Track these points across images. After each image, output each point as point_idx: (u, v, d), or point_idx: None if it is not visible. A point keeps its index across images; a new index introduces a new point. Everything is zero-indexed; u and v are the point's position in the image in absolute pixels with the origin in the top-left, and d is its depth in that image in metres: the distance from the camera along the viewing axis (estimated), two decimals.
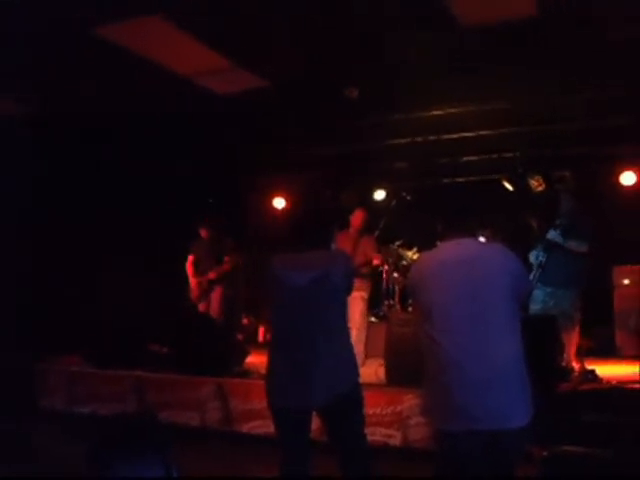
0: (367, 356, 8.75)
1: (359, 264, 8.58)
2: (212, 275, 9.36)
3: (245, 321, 11.68)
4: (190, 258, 9.58)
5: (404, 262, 9.48)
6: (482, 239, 3.87)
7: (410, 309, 8.61)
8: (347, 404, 3.91)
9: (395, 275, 9.33)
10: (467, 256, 3.56)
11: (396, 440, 6.53)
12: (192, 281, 9.53)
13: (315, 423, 4.01)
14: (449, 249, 3.69)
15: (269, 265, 4.04)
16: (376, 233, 9.26)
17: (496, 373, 3.36)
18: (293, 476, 3.90)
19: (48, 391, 8.57)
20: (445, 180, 11.13)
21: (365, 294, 8.87)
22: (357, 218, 9.02)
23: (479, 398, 3.32)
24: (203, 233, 9.60)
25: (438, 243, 3.91)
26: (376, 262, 8.79)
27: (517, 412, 3.35)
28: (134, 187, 9.99)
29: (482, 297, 3.44)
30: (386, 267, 9.46)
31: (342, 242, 8.51)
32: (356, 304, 8.66)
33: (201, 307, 9.51)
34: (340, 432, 3.96)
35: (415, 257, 9.51)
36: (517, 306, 3.55)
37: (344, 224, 9.09)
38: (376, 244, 9.05)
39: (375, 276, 9.36)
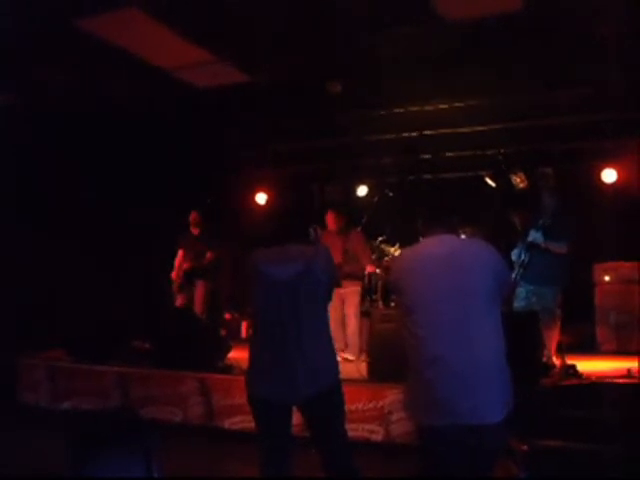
0: (361, 350, 8.81)
1: (354, 270, 8.71)
2: (186, 265, 9.45)
3: (228, 316, 11.66)
4: (180, 253, 9.67)
5: (386, 258, 9.49)
6: (463, 236, 3.88)
7: (392, 304, 8.63)
8: (329, 399, 3.92)
9: (377, 271, 9.32)
10: (448, 252, 3.57)
11: (378, 435, 6.55)
12: (173, 274, 9.59)
13: (296, 419, 4.00)
14: (430, 245, 3.69)
15: (251, 259, 4.03)
16: (359, 229, 9.25)
17: (478, 368, 3.37)
18: (274, 473, 3.89)
19: (30, 386, 8.52)
20: (428, 176, 11.15)
21: (359, 288, 8.99)
22: (329, 221, 9.04)
23: (461, 393, 3.33)
24: (194, 228, 9.64)
25: (420, 239, 3.91)
26: (370, 270, 8.84)
27: (498, 407, 3.36)
28: (114, 183, 9.92)
29: (463, 292, 3.45)
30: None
31: (329, 242, 8.51)
32: (352, 297, 8.83)
33: (179, 300, 9.53)
34: (321, 427, 3.95)
35: (398, 253, 9.54)
36: (499, 300, 3.56)
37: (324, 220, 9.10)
38: (364, 239, 9.06)
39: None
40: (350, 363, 8.24)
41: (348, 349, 8.48)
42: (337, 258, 8.19)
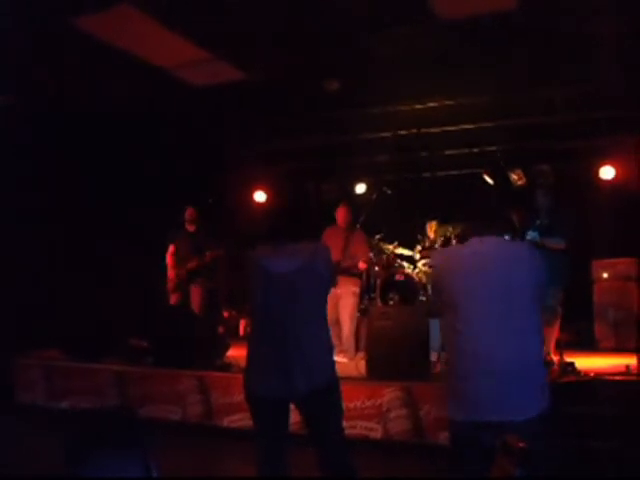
0: (357, 350, 8.80)
1: (348, 266, 8.60)
2: (191, 265, 9.16)
3: (226, 314, 11.64)
4: (171, 248, 9.40)
5: (384, 256, 9.48)
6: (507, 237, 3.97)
7: (391, 302, 8.62)
8: (326, 397, 3.91)
9: (376, 269, 9.31)
10: (489, 252, 3.64)
11: (377, 433, 6.55)
12: (170, 272, 9.33)
13: (294, 416, 4.00)
14: (476, 245, 3.74)
15: (251, 255, 4.02)
16: (357, 226, 9.20)
17: (515, 365, 3.42)
18: (271, 471, 3.88)
19: (27, 386, 8.51)
20: (426, 174, 11.15)
21: (357, 289, 8.89)
22: (340, 215, 8.98)
23: (497, 389, 3.39)
24: (189, 225, 9.45)
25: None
26: (362, 266, 8.74)
27: (533, 404, 3.42)
28: (112, 182, 9.90)
29: (506, 291, 3.51)
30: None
31: (332, 239, 8.48)
32: (348, 299, 8.72)
33: (174, 298, 9.30)
34: (318, 425, 3.95)
35: (396, 251, 9.52)
36: (536, 302, 3.62)
37: (325, 218, 9.07)
38: (367, 239, 9.03)
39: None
40: (349, 360, 8.24)
41: (342, 352, 8.43)
42: (336, 255, 8.17)
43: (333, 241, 8.35)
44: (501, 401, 3.38)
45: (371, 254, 9.08)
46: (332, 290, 7.78)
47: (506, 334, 3.45)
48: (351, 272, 8.68)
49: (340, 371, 4.20)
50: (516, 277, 3.53)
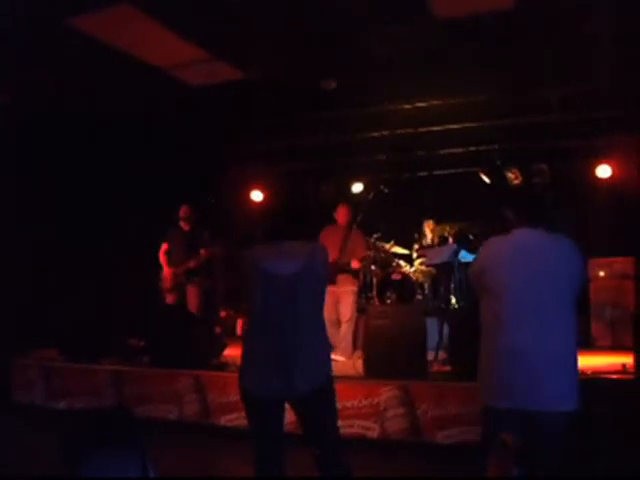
0: (354, 348, 8.81)
1: (344, 264, 8.59)
2: (192, 264, 9.05)
3: (223, 314, 11.63)
4: (164, 246, 9.30)
5: (382, 255, 9.49)
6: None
7: (388, 301, 8.63)
8: (322, 396, 3.92)
9: (373, 268, 9.32)
10: (538, 245, 3.72)
11: (374, 432, 6.55)
12: (166, 270, 9.24)
13: (290, 416, 4.01)
14: (523, 236, 3.80)
15: (249, 255, 4.01)
16: (354, 226, 9.19)
17: (547, 356, 3.52)
18: (267, 470, 3.89)
19: (24, 386, 8.51)
20: (423, 173, 11.17)
21: (356, 288, 8.90)
22: (341, 214, 8.96)
23: (534, 376, 3.47)
24: (185, 223, 9.32)
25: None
26: (354, 266, 8.71)
27: (570, 397, 3.53)
28: (109, 181, 9.89)
29: (548, 283, 3.60)
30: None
31: (330, 238, 8.48)
32: (347, 297, 8.73)
33: (170, 298, 9.22)
34: (314, 424, 3.95)
35: (393, 250, 9.53)
36: (575, 295, 3.73)
37: (324, 217, 9.07)
38: (365, 239, 9.03)
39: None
40: (347, 359, 8.26)
41: (340, 350, 8.45)
42: (335, 254, 8.18)
43: (331, 240, 8.35)
44: (539, 390, 3.45)
45: (370, 252, 9.10)
46: (331, 289, 7.83)
47: (547, 327, 3.56)
48: (345, 270, 8.68)
49: (337, 370, 4.22)
50: (558, 271, 3.62)
